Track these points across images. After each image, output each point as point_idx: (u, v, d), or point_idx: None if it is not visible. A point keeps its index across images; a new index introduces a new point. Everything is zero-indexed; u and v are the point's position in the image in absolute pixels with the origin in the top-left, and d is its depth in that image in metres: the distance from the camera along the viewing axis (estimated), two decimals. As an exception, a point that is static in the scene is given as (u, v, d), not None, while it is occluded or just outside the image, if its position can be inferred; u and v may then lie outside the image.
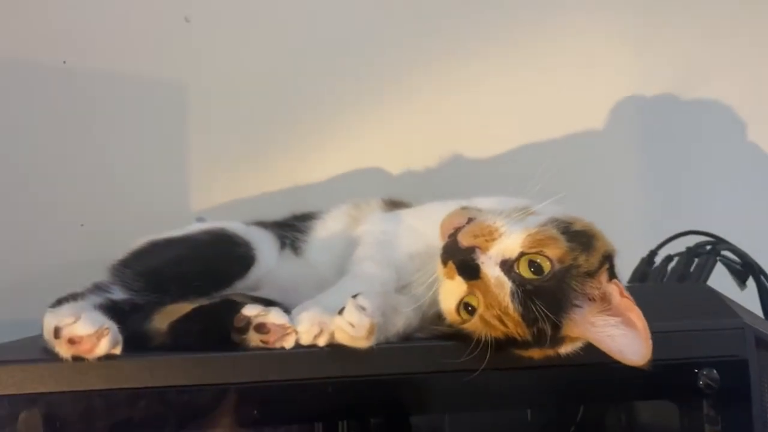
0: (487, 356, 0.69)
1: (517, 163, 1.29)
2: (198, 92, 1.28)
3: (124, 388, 0.66)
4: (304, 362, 0.69)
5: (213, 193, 1.27)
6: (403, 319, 0.75)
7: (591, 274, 0.72)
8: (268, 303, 0.86)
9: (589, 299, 0.72)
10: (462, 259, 0.72)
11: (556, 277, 0.70)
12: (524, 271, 0.70)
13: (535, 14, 1.37)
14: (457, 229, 0.74)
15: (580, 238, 0.74)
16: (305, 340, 0.68)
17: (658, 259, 1.12)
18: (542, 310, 0.69)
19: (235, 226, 0.94)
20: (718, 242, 1.08)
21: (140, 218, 1.21)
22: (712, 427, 0.83)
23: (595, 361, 0.76)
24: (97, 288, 0.80)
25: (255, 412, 0.70)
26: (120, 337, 0.67)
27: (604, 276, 0.73)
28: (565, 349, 0.74)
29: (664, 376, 0.81)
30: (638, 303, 0.78)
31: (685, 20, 1.45)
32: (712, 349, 0.81)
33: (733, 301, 0.89)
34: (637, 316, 0.71)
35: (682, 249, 1.10)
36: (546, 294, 0.70)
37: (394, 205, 0.98)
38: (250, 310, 0.69)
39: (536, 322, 0.69)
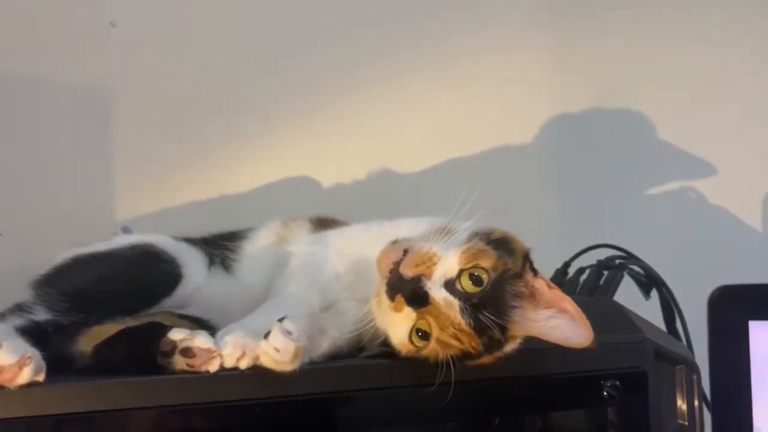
0: (453, 375, 0.74)
1: (441, 177, 1.34)
2: (124, 98, 1.26)
3: (49, 414, 0.65)
4: (231, 384, 0.70)
5: (139, 201, 1.25)
6: (328, 339, 0.78)
7: (519, 275, 0.78)
8: (196, 321, 0.87)
9: (523, 298, 0.78)
10: (411, 290, 0.75)
11: (494, 285, 0.76)
12: (466, 285, 0.75)
13: (460, 32, 1.41)
14: (397, 263, 0.76)
15: (502, 244, 0.80)
16: (228, 363, 0.69)
17: (571, 271, 1.19)
18: (490, 318, 0.74)
19: (162, 240, 0.93)
20: (627, 256, 1.15)
21: (63, 227, 1.19)
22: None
23: (509, 375, 0.82)
24: (19, 309, 0.79)
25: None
26: (43, 365, 0.66)
27: (529, 274, 0.80)
28: (509, 347, 0.80)
29: (572, 387, 0.89)
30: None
31: (601, 38, 1.53)
32: (614, 361, 0.88)
33: (636, 315, 0.96)
34: (569, 303, 0.78)
35: (594, 262, 1.17)
36: (489, 303, 0.75)
37: (320, 224, 1.00)
38: (175, 334, 0.70)
39: (486, 330, 0.75)
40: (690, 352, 1.06)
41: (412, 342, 0.77)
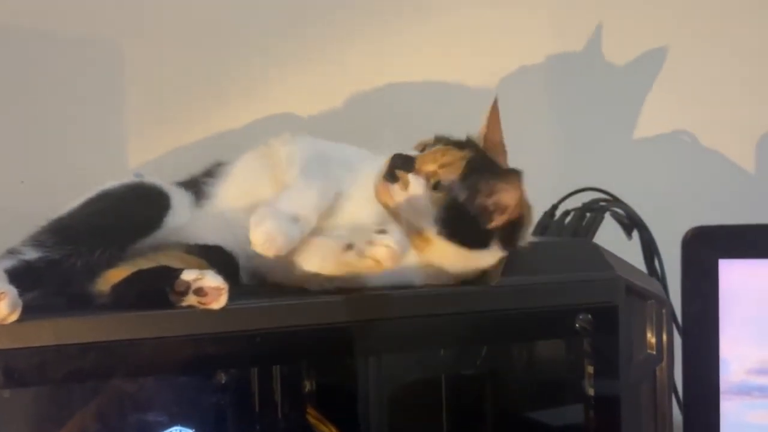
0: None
1: (426, 106, 1.38)
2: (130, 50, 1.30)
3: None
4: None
5: (150, 147, 1.30)
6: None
7: None
8: (204, 250, 0.94)
9: None
10: None
11: None
12: None
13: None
14: None
15: None
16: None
17: (558, 213, 1.25)
18: None
19: (152, 179, 0.98)
20: (611, 199, 1.21)
21: (80, 175, 1.24)
22: (589, 361, 0.99)
23: (497, 308, 0.92)
24: (10, 253, 0.84)
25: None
26: (20, 302, 0.69)
27: None
28: None
29: (548, 321, 0.97)
30: (533, 257, 0.96)
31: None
32: (588, 296, 0.96)
33: (612, 255, 1.02)
34: None
35: (580, 204, 1.23)
36: None
37: None
38: (188, 275, 0.77)
39: None
40: (663, 288, 1.13)
41: None
